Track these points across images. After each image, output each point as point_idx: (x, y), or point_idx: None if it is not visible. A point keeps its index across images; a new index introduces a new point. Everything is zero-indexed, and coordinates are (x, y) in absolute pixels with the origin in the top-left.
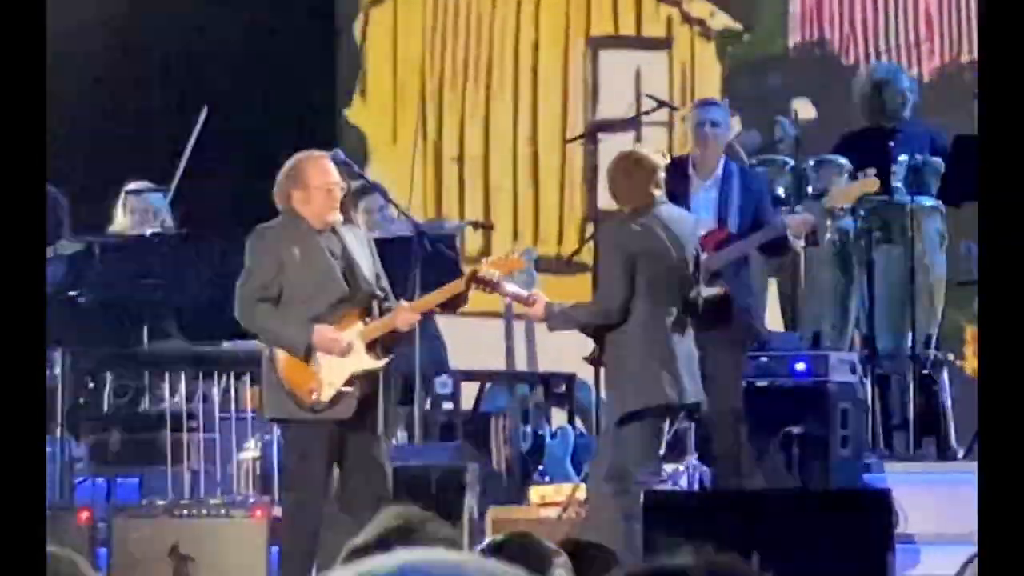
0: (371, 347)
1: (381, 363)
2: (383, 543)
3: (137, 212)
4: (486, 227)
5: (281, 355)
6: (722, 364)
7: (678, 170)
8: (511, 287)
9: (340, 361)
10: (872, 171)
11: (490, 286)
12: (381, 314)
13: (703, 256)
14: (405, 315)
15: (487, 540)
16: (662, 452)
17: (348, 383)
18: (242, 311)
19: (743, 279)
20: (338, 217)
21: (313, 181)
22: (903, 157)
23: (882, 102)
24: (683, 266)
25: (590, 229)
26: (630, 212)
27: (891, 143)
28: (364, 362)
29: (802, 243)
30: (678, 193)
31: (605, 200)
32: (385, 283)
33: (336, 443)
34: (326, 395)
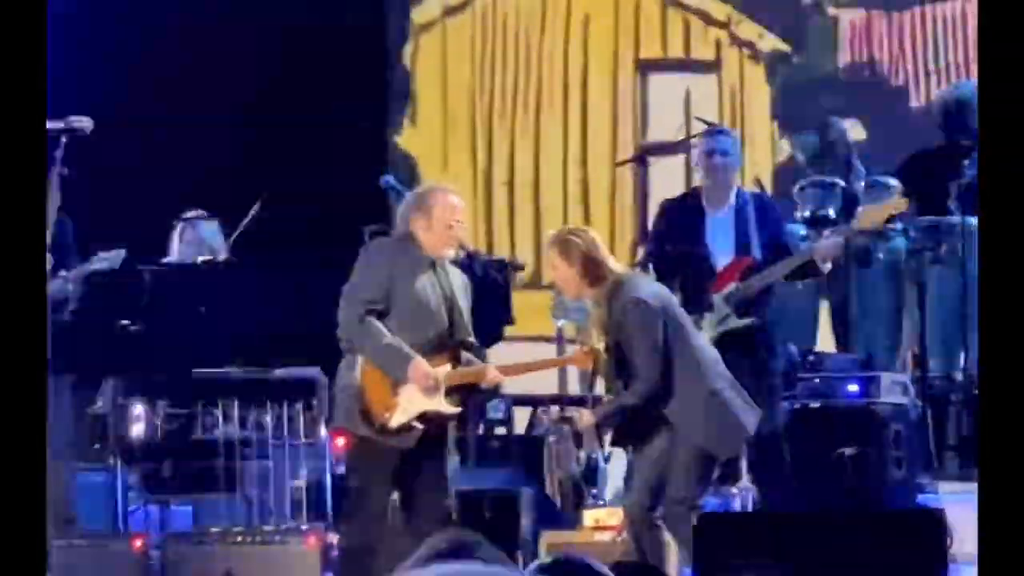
0: (449, 392)
1: (455, 411)
2: (436, 563)
3: (191, 241)
4: (517, 268)
5: (365, 366)
6: (760, 387)
7: (689, 204)
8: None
9: (420, 395)
10: (897, 189)
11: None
12: (468, 362)
13: (731, 287)
14: (493, 375)
15: (536, 562)
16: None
17: (419, 418)
18: (347, 320)
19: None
20: (452, 253)
21: (437, 212)
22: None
23: (963, 120)
24: (682, 315)
25: (640, 252)
26: (610, 291)
27: (965, 161)
28: (440, 404)
29: (829, 266)
30: (692, 226)
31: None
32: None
33: (399, 467)
34: (396, 421)
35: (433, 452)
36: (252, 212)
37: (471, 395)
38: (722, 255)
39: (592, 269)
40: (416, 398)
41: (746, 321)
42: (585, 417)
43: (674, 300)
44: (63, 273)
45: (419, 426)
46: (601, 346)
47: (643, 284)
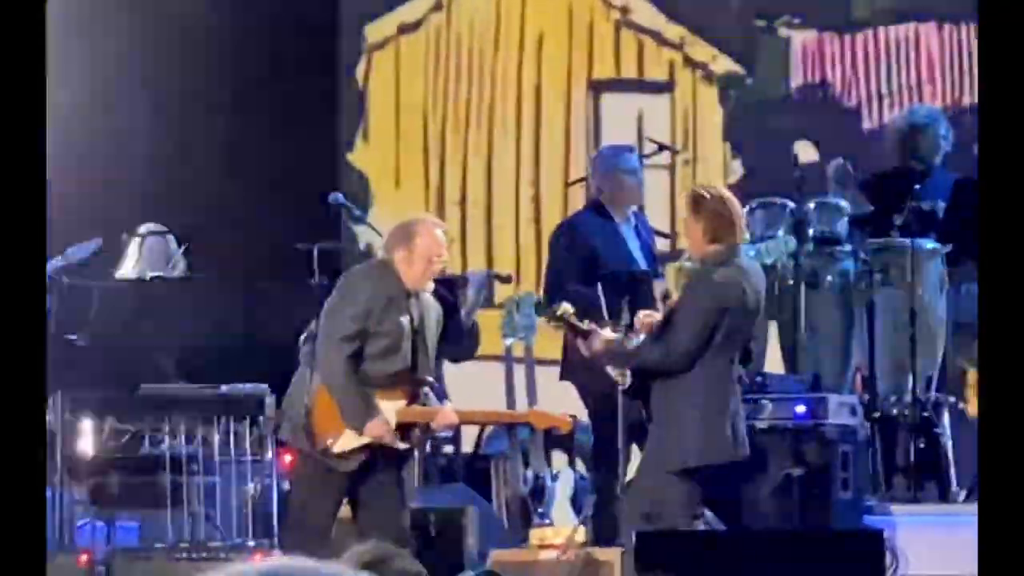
0: (402, 427)
1: (401, 446)
2: None
3: (148, 256)
4: (504, 280)
5: (320, 391)
6: None
7: (599, 216)
8: (572, 319)
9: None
10: (846, 210)
11: (561, 322)
12: (426, 397)
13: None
14: (448, 416)
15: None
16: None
17: (363, 447)
18: (329, 358)
19: None
20: (429, 286)
21: (420, 245)
22: (926, 202)
23: (915, 144)
24: (754, 319)
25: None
26: (716, 257)
27: (917, 186)
28: (389, 440)
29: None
30: (612, 234)
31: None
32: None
33: (344, 489)
34: (339, 447)
35: (388, 469)
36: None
37: (422, 434)
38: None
39: (716, 227)
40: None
41: None
42: (597, 343)
43: (751, 305)
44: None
45: (361, 456)
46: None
47: (734, 271)
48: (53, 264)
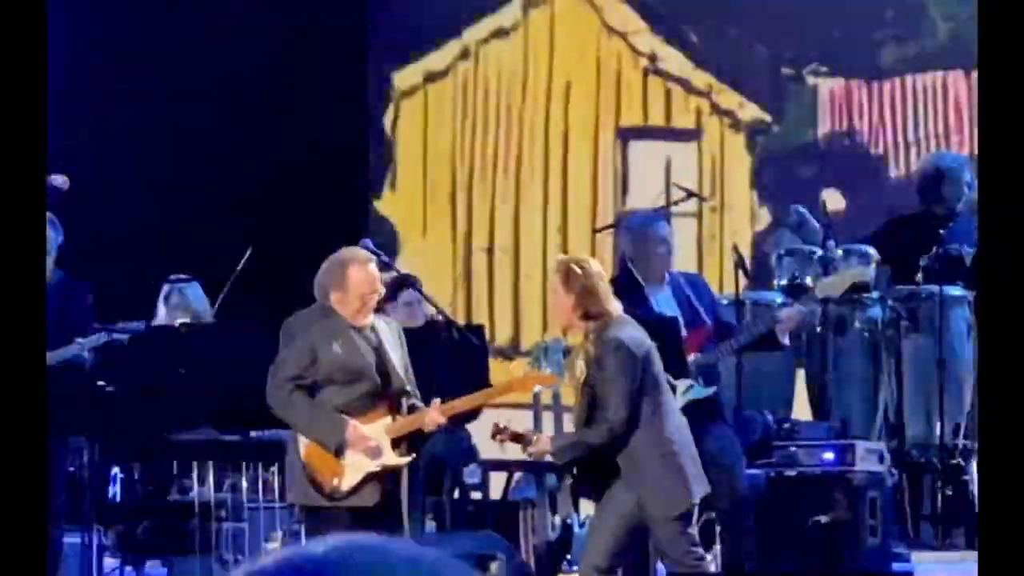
0: (396, 443)
1: (405, 460)
2: None
3: (175, 305)
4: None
5: (305, 440)
6: (724, 454)
7: (625, 279)
8: (512, 430)
9: (364, 456)
10: (873, 257)
11: (504, 435)
12: (409, 410)
13: (691, 357)
14: (433, 416)
15: None
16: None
17: (373, 475)
18: (275, 398)
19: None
20: (369, 319)
21: (352, 286)
22: (953, 246)
23: (939, 191)
24: (660, 354)
25: None
26: (597, 329)
27: (941, 231)
28: (389, 458)
29: (787, 340)
30: (636, 297)
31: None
32: (411, 377)
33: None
34: (347, 483)
35: (390, 521)
36: (238, 269)
37: (420, 440)
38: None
39: (587, 302)
40: (361, 458)
41: (710, 390)
42: (542, 442)
43: (655, 354)
44: (79, 340)
45: (374, 489)
46: (581, 380)
47: (629, 329)
48: (93, 340)
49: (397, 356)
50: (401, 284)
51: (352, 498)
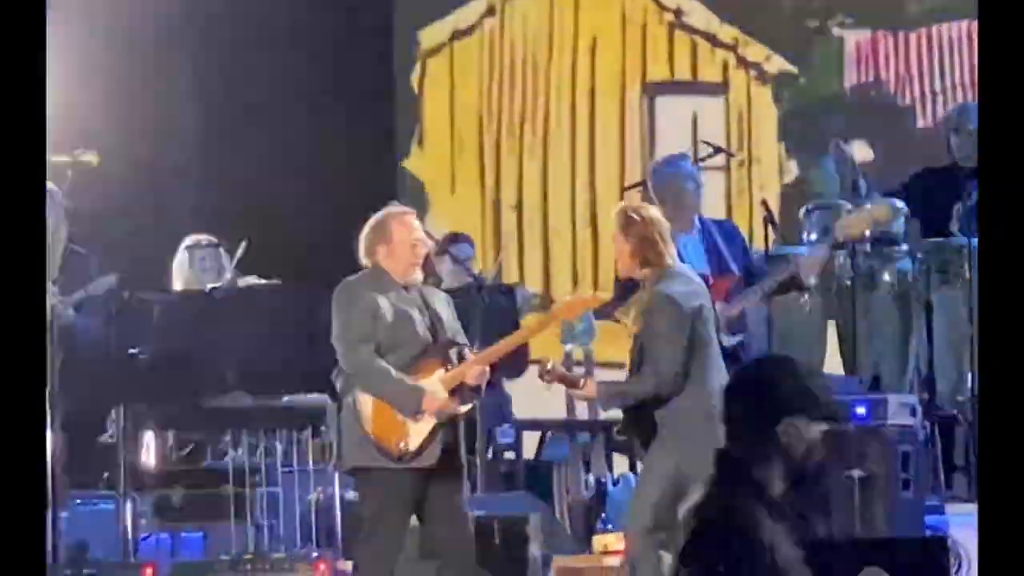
0: (452, 394)
1: (465, 408)
2: None
3: (199, 267)
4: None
5: (367, 405)
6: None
7: None
8: (560, 370)
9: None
10: (903, 211)
11: (551, 375)
12: (459, 361)
13: (717, 306)
14: (473, 368)
15: None
16: None
17: (433, 433)
18: (353, 363)
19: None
20: (419, 275)
21: (398, 236)
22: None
23: (966, 142)
24: (711, 315)
25: None
26: (651, 278)
27: (970, 182)
28: (451, 408)
29: (814, 280)
30: None
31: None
32: (463, 337)
33: (417, 492)
34: (414, 444)
35: (448, 477)
36: (235, 260)
37: (475, 392)
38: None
39: (644, 250)
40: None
41: (736, 339)
42: (589, 387)
43: (708, 311)
44: (61, 299)
45: (437, 446)
46: (634, 330)
47: (682, 283)
48: (74, 297)
49: (445, 311)
50: (454, 239)
51: (415, 460)
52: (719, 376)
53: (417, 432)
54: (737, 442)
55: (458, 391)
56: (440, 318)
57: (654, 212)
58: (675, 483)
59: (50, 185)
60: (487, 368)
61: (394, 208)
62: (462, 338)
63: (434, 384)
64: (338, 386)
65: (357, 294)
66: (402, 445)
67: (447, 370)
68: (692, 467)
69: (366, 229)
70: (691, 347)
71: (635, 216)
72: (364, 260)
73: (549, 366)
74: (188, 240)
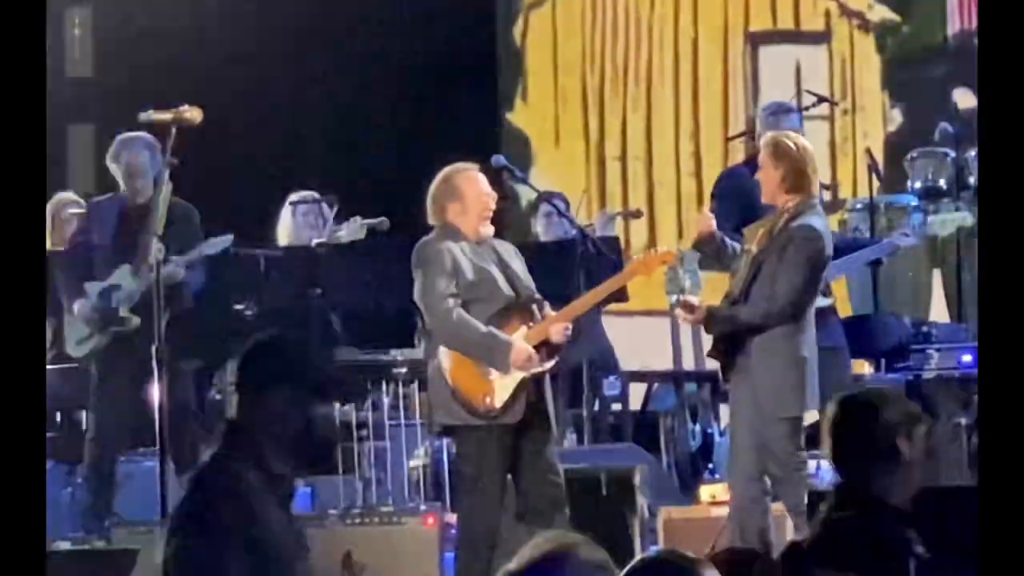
0: (537, 350)
1: (548, 365)
2: (536, 568)
3: (302, 222)
4: (634, 215)
5: (450, 363)
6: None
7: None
8: (672, 297)
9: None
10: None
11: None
12: (542, 318)
13: None
14: (556, 323)
15: (633, 561)
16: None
17: (519, 387)
18: (440, 320)
19: None
20: (490, 229)
21: (468, 193)
22: None
23: None
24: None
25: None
26: (796, 208)
27: None
28: (536, 365)
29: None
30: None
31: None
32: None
33: (510, 449)
34: (499, 400)
35: (536, 434)
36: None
37: (559, 347)
38: None
39: (793, 176)
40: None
41: (828, 301)
42: (700, 310)
43: (830, 260)
44: (173, 258)
45: (523, 402)
46: (755, 250)
47: (824, 221)
48: (187, 257)
49: (518, 265)
50: (544, 195)
51: (502, 416)
52: (813, 329)
53: (503, 388)
54: (852, 467)
55: (541, 347)
56: (514, 271)
57: (804, 141)
58: (757, 427)
59: (151, 139)
60: (569, 325)
61: (460, 165)
62: (536, 293)
63: (519, 339)
64: (422, 348)
65: (436, 251)
66: (488, 400)
67: (529, 327)
68: (767, 403)
69: (432, 189)
70: (810, 285)
71: (791, 144)
72: (433, 220)
73: (682, 294)
74: (293, 196)
